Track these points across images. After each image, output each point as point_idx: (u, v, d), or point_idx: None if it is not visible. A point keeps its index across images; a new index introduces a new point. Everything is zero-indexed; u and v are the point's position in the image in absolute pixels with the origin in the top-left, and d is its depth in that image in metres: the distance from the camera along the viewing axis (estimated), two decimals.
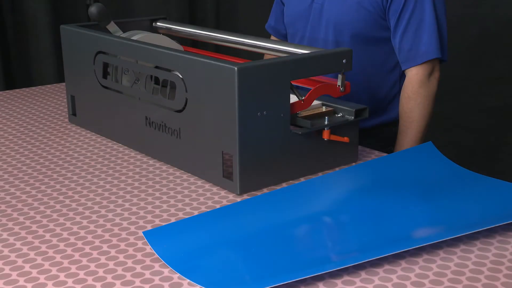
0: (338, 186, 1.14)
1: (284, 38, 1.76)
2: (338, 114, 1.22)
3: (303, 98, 1.17)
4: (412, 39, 1.49)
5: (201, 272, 0.86)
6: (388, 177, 1.15)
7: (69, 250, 0.92)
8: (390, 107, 1.62)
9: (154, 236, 0.94)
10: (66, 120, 1.54)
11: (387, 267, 0.87)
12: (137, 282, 0.84)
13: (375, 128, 1.63)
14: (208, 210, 1.05)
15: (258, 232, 0.96)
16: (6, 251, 0.92)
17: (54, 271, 0.87)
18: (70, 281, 0.84)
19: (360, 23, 1.51)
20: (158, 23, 1.60)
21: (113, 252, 0.92)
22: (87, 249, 0.93)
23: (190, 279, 0.84)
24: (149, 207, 1.07)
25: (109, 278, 0.85)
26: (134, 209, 1.06)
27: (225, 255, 0.90)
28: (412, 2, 1.47)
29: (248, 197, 1.09)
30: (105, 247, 0.93)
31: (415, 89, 1.52)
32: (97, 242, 0.95)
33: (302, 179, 1.17)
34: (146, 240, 0.94)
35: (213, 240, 0.94)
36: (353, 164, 1.25)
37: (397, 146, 1.57)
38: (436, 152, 1.24)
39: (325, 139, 1.18)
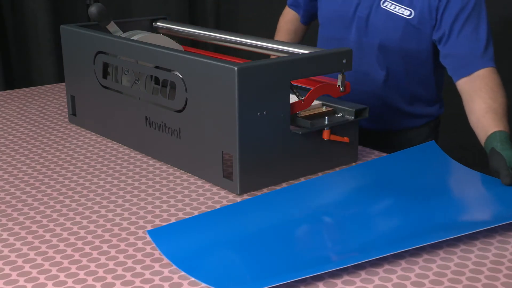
0: (340, 186, 1.13)
1: (302, 12, 1.72)
2: (338, 114, 1.22)
3: (303, 98, 1.17)
4: (474, 42, 1.41)
5: (205, 270, 0.86)
6: (390, 176, 1.15)
7: (69, 250, 0.92)
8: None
9: (158, 235, 0.95)
10: (66, 120, 1.54)
11: (387, 267, 0.87)
12: (137, 282, 0.84)
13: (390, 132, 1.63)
14: (208, 210, 1.05)
15: (261, 232, 0.97)
16: (6, 251, 0.92)
17: (54, 271, 0.87)
18: (70, 281, 0.84)
19: (407, 40, 1.47)
20: (158, 23, 1.60)
21: (113, 252, 0.92)
22: (87, 249, 0.93)
23: (193, 277, 0.85)
24: (149, 207, 1.07)
25: (109, 278, 0.85)
26: (134, 209, 1.06)
27: (228, 254, 0.90)
28: (469, 8, 1.42)
29: (249, 197, 1.09)
30: (105, 247, 0.93)
31: (497, 81, 1.37)
32: (97, 242, 0.95)
33: (302, 179, 1.17)
34: (147, 240, 0.94)
35: (216, 239, 0.94)
36: (354, 164, 1.25)
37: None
38: (439, 151, 1.24)
39: (325, 139, 1.18)
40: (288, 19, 1.78)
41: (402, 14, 1.45)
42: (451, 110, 1.66)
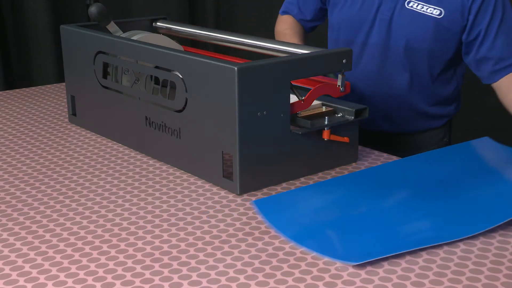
0: (417, 172, 1.16)
1: (310, 15, 1.69)
2: (338, 114, 1.22)
3: (303, 98, 1.17)
4: (507, 45, 1.41)
5: (312, 239, 0.91)
6: (454, 167, 1.17)
7: (69, 250, 0.92)
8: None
9: (264, 204, 1.00)
10: (66, 120, 1.54)
11: (387, 267, 0.87)
12: (137, 282, 0.84)
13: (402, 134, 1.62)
14: (209, 210, 1.05)
15: (364, 206, 1.01)
16: (6, 251, 0.92)
17: (54, 271, 0.87)
18: (70, 281, 0.85)
19: (435, 40, 1.45)
20: (158, 23, 1.60)
21: (113, 252, 0.92)
22: (87, 249, 0.93)
23: (301, 245, 0.89)
24: (149, 207, 1.07)
25: (109, 278, 0.85)
26: (134, 209, 1.06)
27: (333, 225, 0.94)
28: (499, 11, 1.42)
29: (249, 197, 1.10)
30: (105, 247, 0.93)
31: None
32: (97, 242, 0.95)
33: (303, 179, 1.17)
34: (147, 240, 0.94)
35: (320, 210, 0.99)
36: (354, 164, 1.25)
37: None
38: (496, 144, 1.25)
39: (325, 139, 1.18)
40: (289, 24, 1.72)
41: (431, 13, 1.43)
42: (460, 109, 1.67)
